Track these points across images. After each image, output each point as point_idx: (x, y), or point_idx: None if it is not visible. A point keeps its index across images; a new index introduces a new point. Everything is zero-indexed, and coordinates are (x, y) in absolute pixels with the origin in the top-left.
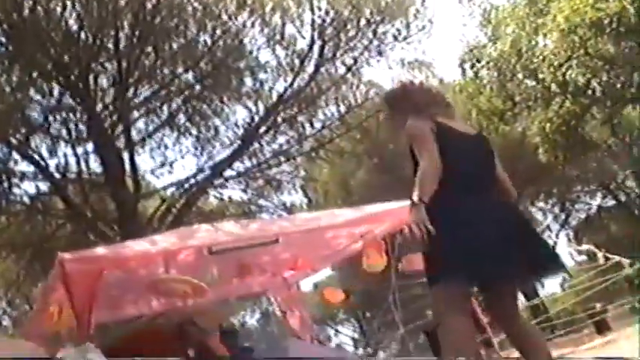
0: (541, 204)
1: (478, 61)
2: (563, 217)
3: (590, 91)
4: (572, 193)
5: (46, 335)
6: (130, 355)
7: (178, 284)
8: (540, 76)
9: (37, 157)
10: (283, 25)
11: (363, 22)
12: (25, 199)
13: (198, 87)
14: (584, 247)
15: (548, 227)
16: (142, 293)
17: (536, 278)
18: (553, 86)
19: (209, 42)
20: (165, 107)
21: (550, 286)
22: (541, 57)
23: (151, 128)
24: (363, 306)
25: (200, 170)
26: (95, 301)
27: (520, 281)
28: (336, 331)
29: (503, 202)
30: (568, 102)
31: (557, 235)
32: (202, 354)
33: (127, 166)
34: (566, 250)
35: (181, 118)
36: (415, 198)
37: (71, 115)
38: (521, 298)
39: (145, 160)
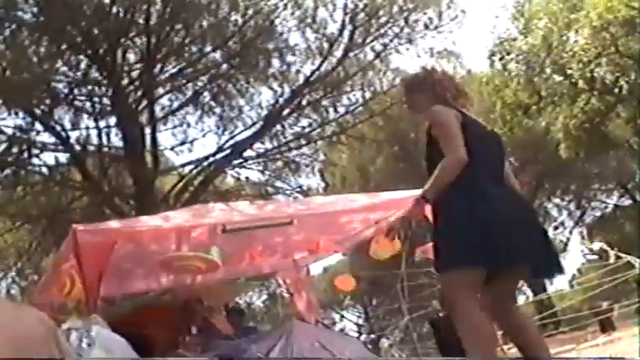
0: (557, 200)
1: (508, 53)
2: (578, 214)
3: (617, 90)
4: (589, 190)
5: (53, 304)
6: (134, 329)
7: (193, 261)
8: (568, 71)
9: (59, 128)
10: (315, 8)
11: (395, 8)
12: (44, 170)
13: (225, 66)
14: (596, 244)
15: (562, 223)
16: (151, 269)
17: (535, 275)
18: (580, 82)
19: (240, 21)
20: (190, 85)
21: (558, 283)
22: (571, 52)
23: (175, 105)
24: (370, 293)
25: (220, 149)
26: (105, 273)
27: (532, 269)
28: (342, 316)
29: (519, 194)
30: (594, 99)
31: (570, 232)
32: (206, 331)
33: (148, 142)
34: (578, 248)
35: (206, 96)
36: (422, 192)
37: (96, 88)
38: (528, 293)
39: (166, 137)
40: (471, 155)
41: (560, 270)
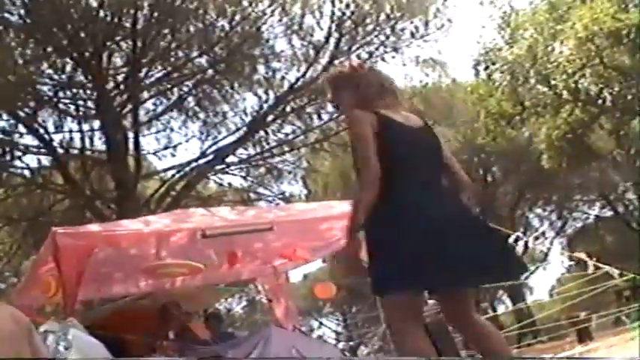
0: (539, 210)
1: (493, 63)
2: (559, 224)
3: (600, 101)
4: (571, 201)
5: (31, 307)
6: (111, 333)
7: (177, 268)
8: (553, 82)
9: (42, 131)
10: (302, 15)
11: (382, 17)
12: (26, 173)
13: (210, 72)
14: (576, 254)
15: (543, 234)
16: (131, 273)
17: (487, 281)
18: (565, 93)
19: (227, 27)
20: (175, 90)
21: (538, 293)
22: (555, 63)
23: (159, 110)
24: (349, 300)
25: (203, 154)
26: (84, 277)
27: (471, 284)
28: (320, 323)
29: (452, 198)
30: (578, 110)
31: (551, 242)
32: (183, 336)
33: (131, 146)
34: (558, 258)
35: (190, 101)
36: (349, 226)
37: (81, 91)
38: (507, 302)
39: (149, 142)
40: (395, 162)
41: (517, 270)
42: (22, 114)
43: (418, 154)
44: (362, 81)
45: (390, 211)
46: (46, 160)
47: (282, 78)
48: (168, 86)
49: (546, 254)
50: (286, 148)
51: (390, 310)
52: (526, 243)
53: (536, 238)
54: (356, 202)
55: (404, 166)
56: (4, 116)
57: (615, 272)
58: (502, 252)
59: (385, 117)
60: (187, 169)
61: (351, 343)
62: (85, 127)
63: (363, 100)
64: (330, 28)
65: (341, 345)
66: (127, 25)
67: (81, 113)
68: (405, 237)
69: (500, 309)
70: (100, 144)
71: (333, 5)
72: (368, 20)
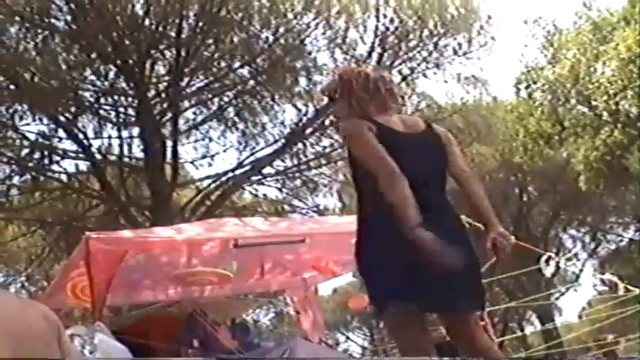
0: (573, 231)
1: (534, 82)
2: (592, 246)
3: None
4: (605, 223)
5: (60, 311)
6: (137, 339)
7: (206, 275)
8: (593, 103)
9: (81, 136)
10: (346, 29)
11: (426, 33)
12: (63, 177)
13: (252, 82)
14: (607, 276)
15: (575, 255)
16: (160, 280)
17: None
18: (605, 114)
19: (270, 39)
20: (216, 100)
21: (568, 314)
22: (597, 84)
23: (199, 119)
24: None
25: (240, 165)
26: (113, 282)
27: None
28: (347, 337)
29: (449, 211)
30: (617, 132)
31: (583, 264)
32: (208, 345)
33: (169, 154)
34: (589, 280)
35: (230, 111)
36: (411, 226)
37: (122, 98)
38: (535, 323)
39: (187, 151)
40: None
41: (472, 306)
42: (62, 119)
43: (414, 162)
44: (355, 87)
45: (381, 226)
46: (83, 166)
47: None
48: (209, 96)
49: (578, 276)
50: (323, 161)
51: (391, 328)
52: (558, 264)
53: (569, 259)
54: (397, 205)
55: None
56: (45, 120)
57: None
58: (469, 279)
59: (380, 125)
60: (223, 178)
61: (375, 358)
62: (125, 133)
63: (358, 108)
64: (373, 42)
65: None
66: (172, 34)
67: (121, 120)
68: (392, 252)
69: (529, 329)
70: (138, 151)
71: (377, 20)
72: (411, 36)
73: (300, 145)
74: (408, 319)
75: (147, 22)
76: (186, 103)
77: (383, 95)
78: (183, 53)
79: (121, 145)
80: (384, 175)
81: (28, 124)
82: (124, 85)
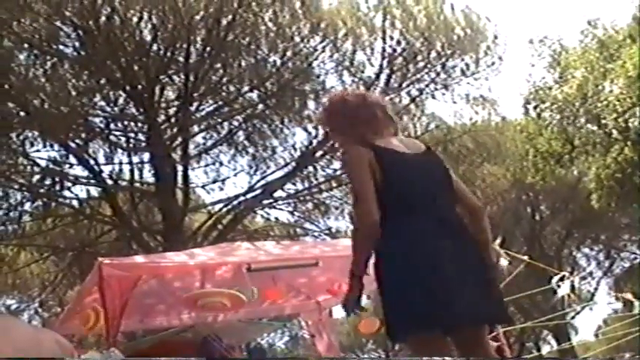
0: (586, 250)
1: (542, 102)
2: (607, 264)
3: None
4: (619, 241)
5: (74, 337)
6: None
7: (217, 297)
8: (602, 121)
9: (92, 162)
10: (354, 52)
11: (433, 54)
12: (74, 203)
13: (261, 106)
14: (622, 294)
15: (590, 274)
16: (174, 305)
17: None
18: (614, 132)
19: (278, 63)
20: (225, 124)
21: (584, 333)
22: (605, 102)
23: (209, 143)
24: None
25: (251, 189)
26: (127, 308)
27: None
28: None
29: (456, 227)
30: (628, 149)
31: (598, 282)
32: None
33: (180, 179)
34: (605, 298)
35: (240, 136)
36: (350, 268)
37: (132, 124)
38: (552, 342)
39: (198, 175)
40: (394, 195)
41: (495, 318)
42: (73, 145)
43: (417, 183)
44: (351, 113)
45: (390, 248)
46: (95, 191)
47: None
48: (219, 120)
49: (593, 294)
50: (334, 184)
51: (414, 352)
52: (572, 282)
53: (584, 278)
54: (354, 252)
55: (405, 198)
56: (56, 147)
57: None
58: (487, 292)
59: (381, 149)
60: (235, 202)
61: None
62: (135, 159)
63: (356, 134)
64: (381, 64)
65: None
66: (180, 59)
67: (131, 145)
68: (405, 275)
69: (545, 349)
70: (149, 176)
71: (385, 42)
72: (419, 57)
73: (310, 168)
74: (425, 343)
75: (155, 47)
76: (195, 128)
77: (381, 118)
78: (191, 78)
79: (131, 171)
80: (363, 217)
81: (38, 151)
82: (133, 110)
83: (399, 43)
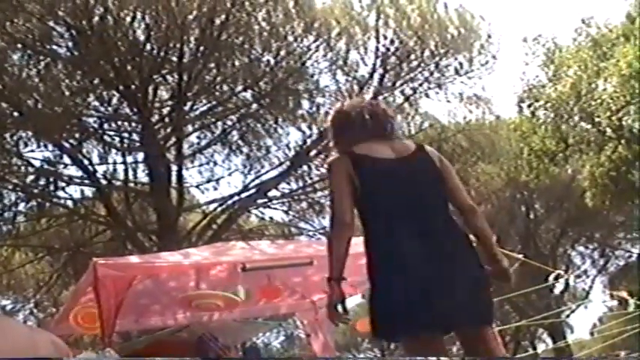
0: (581, 248)
1: (536, 100)
2: (601, 262)
3: None
4: (613, 239)
5: (68, 336)
6: None
7: (211, 299)
8: (596, 119)
9: (86, 162)
10: (347, 51)
11: (426, 53)
12: (69, 203)
13: (255, 106)
14: (617, 293)
15: (585, 272)
16: (168, 305)
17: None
18: (608, 131)
19: (272, 62)
20: (219, 124)
21: (579, 331)
22: (599, 100)
23: (203, 143)
24: None
25: (245, 188)
26: (122, 308)
27: (445, 329)
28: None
29: (441, 231)
30: (621, 147)
31: (593, 281)
32: None
33: (174, 179)
34: (600, 297)
35: (234, 135)
36: (328, 275)
37: (126, 124)
38: (547, 341)
39: (192, 175)
40: (372, 202)
41: (482, 315)
42: (66, 145)
43: (394, 191)
44: (340, 123)
45: (375, 253)
46: (89, 191)
47: (326, 113)
48: (213, 120)
49: (588, 292)
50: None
51: (407, 351)
52: (567, 281)
53: (578, 276)
54: (329, 255)
55: (382, 207)
56: (50, 147)
57: None
58: (474, 294)
59: (359, 157)
60: (229, 202)
61: None
62: (129, 159)
63: (343, 143)
64: (374, 63)
65: None
66: (174, 58)
67: (125, 145)
68: (387, 280)
69: (541, 347)
70: (143, 176)
71: (378, 41)
72: (412, 56)
73: (305, 167)
74: (424, 345)
75: (148, 47)
76: (189, 128)
77: (369, 124)
78: (185, 78)
79: (126, 171)
80: (334, 221)
81: (32, 151)
82: (127, 110)
83: (392, 42)
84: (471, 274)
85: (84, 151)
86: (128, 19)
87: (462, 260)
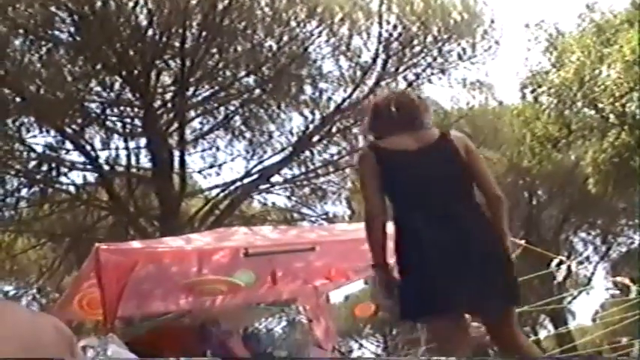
0: (583, 234)
1: (539, 86)
2: (603, 249)
3: None
4: (616, 225)
5: (71, 321)
6: (150, 350)
7: (215, 285)
8: (600, 105)
9: (88, 148)
10: (350, 36)
11: (429, 39)
12: (71, 189)
13: (257, 91)
14: (619, 279)
15: (587, 258)
16: (171, 290)
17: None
18: (611, 117)
19: (274, 47)
20: (222, 109)
21: (581, 317)
22: (603, 86)
23: (205, 129)
24: (390, 322)
25: (248, 174)
26: (124, 293)
27: (470, 309)
28: (360, 344)
29: (464, 217)
30: (625, 134)
31: (595, 267)
32: (221, 355)
33: (176, 164)
34: (601, 283)
35: (237, 120)
36: (372, 263)
37: (128, 109)
38: (549, 327)
39: (194, 160)
40: (396, 191)
41: (505, 301)
42: (69, 131)
43: (420, 180)
44: (370, 115)
45: (401, 239)
46: (91, 177)
47: (329, 99)
48: (215, 105)
49: (590, 279)
50: (331, 169)
51: (432, 332)
52: (569, 267)
53: (580, 263)
54: (368, 243)
55: (406, 197)
56: (52, 132)
57: None
58: (498, 276)
59: (382, 150)
60: (232, 188)
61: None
62: (132, 144)
63: (370, 134)
64: (377, 49)
65: None
66: (176, 44)
67: (127, 131)
68: (413, 263)
69: (542, 333)
70: (145, 162)
71: (381, 27)
72: (415, 42)
73: (307, 152)
74: (442, 325)
75: (150, 32)
76: (192, 113)
77: (395, 116)
78: (188, 63)
79: (128, 156)
80: (365, 214)
81: (35, 137)
82: (129, 95)
83: (395, 27)
84: (496, 257)
85: (86, 136)
86: (130, 4)
87: (486, 244)
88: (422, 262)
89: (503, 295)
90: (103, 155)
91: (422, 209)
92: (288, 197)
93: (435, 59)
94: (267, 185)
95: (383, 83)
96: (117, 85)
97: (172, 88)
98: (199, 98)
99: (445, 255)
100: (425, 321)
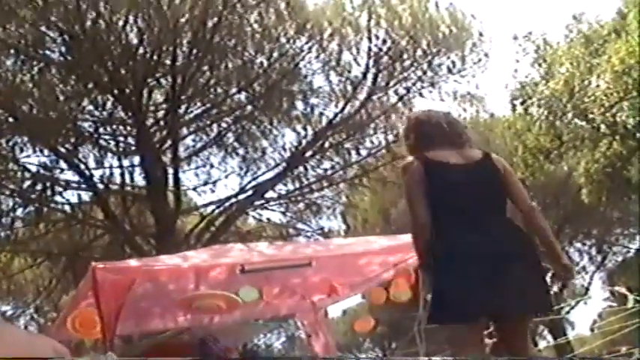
0: (579, 244)
1: (529, 98)
2: (599, 258)
3: (638, 134)
4: (611, 235)
5: (69, 341)
6: None
7: (213, 300)
8: (590, 116)
9: (82, 166)
10: (340, 51)
11: (419, 52)
12: (66, 208)
13: (249, 108)
14: (616, 288)
15: (583, 268)
16: (169, 307)
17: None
18: (602, 127)
19: (265, 64)
20: (214, 126)
21: (579, 327)
22: (593, 97)
23: (198, 146)
24: (388, 336)
25: (242, 190)
26: (122, 312)
27: (509, 316)
28: (359, 359)
29: (503, 230)
30: (616, 143)
31: (591, 277)
32: None
33: (171, 182)
34: (599, 293)
35: (230, 137)
36: (420, 264)
37: (121, 127)
38: (548, 337)
39: (189, 178)
40: (440, 204)
41: (541, 308)
42: (62, 150)
43: (464, 194)
44: (420, 129)
45: (441, 249)
46: (86, 196)
47: (321, 114)
48: (208, 122)
49: (587, 289)
50: (325, 184)
51: (455, 336)
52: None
53: (577, 273)
54: (415, 250)
55: (448, 207)
56: (45, 152)
57: None
58: (535, 285)
59: (431, 161)
60: (227, 204)
61: None
62: (125, 162)
63: (416, 147)
64: (367, 64)
65: None
66: (167, 62)
67: (121, 149)
68: (453, 272)
69: (542, 344)
70: (140, 179)
71: (370, 41)
72: (405, 56)
73: (301, 168)
74: (474, 333)
75: (141, 50)
76: (185, 130)
77: (444, 132)
78: (179, 80)
79: (122, 174)
80: (414, 220)
81: (28, 156)
82: (122, 114)
83: (384, 42)
84: (528, 269)
85: (80, 155)
86: (120, 23)
87: (518, 256)
88: (462, 270)
89: (536, 303)
90: (97, 174)
91: (462, 220)
92: (283, 213)
93: (425, 73)
94: (262, 201)
95: (374, 97)
96: (109, 104)
97: (164, 105)
98: (191, 115)
99: (481, 263)
100: (455, 325)
